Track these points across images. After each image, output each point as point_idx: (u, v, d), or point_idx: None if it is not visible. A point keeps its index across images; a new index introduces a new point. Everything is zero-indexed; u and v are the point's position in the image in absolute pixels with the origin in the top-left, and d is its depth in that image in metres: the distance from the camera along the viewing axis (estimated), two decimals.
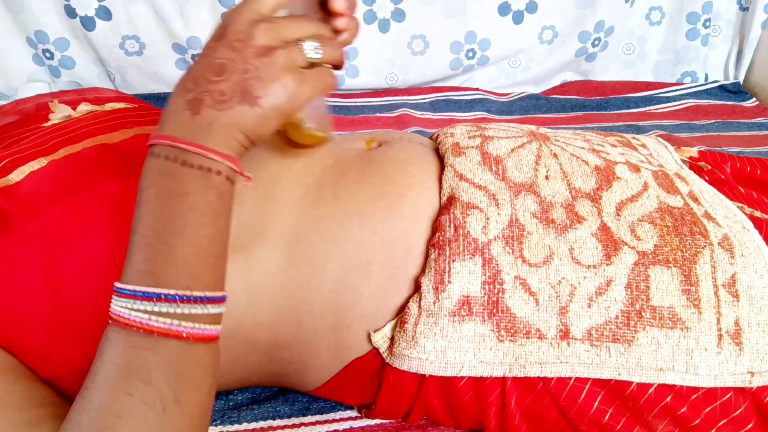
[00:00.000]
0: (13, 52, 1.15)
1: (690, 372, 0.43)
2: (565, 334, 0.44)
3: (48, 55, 1.16)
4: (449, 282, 0.44)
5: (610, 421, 0.45)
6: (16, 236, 0.43)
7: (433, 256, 0.45)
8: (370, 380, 0.48)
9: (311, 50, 0.39)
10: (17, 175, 0.46)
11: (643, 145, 0.59)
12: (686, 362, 0.43)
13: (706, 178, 0.57)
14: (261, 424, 0.52)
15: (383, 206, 0.47)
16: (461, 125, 0.58)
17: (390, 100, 1.23)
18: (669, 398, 0.44)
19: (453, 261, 0.45)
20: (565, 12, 1.24)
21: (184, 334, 0.33)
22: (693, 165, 0.60)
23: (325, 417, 0.53)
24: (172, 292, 0.33)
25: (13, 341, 0.41)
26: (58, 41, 1.15)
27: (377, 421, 0.52)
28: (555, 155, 0.52)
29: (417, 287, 0.46)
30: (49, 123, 0.56)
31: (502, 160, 0.51)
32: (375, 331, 0.46)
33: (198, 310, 0.34)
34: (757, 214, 0.52)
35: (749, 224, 0.49)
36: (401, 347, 0.45)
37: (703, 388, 0.43)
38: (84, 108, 0.59)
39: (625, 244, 0.45)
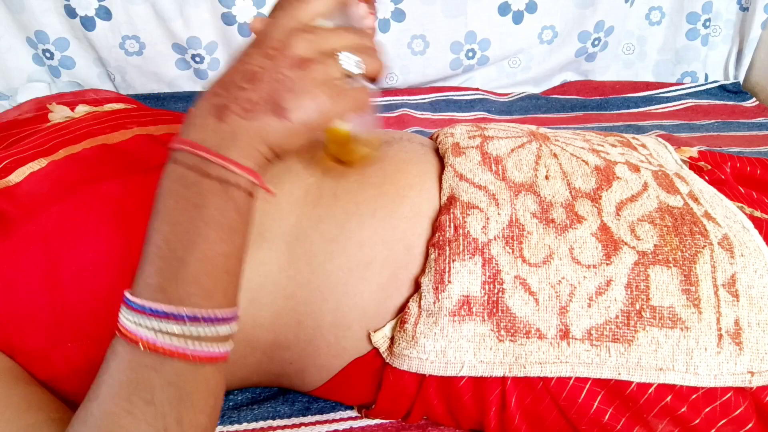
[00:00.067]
0: (13, 52, 1.15)
1: (690, 372, 0.43)
2: (565, 334, 0.44)
3: (48, 55, 1.16)
4: (449, 282, 0.44)
5: (610, 420, 0.45)
6: (16, 237, 0.43)
7: (433, 256, 0.45)
8: (370, 380, 0.48)
9: (352, 64, 0.37)
10: (17, 176, 0.46)
11: (643, 145, 0.59)
12: (686, 362, 0.43)
13: (706, 178, 0.57)
14: (261, 424, 0.52)
15: (383, 206, 0.47)
16: (461, 125, 0.58)
17: (390, 100, 1.23)
18: (669, 398, 0.44)
19: (453, 261, 0.45)
20: (565, 12, 1.24)
21: (190, 355, 0.32)
22: (693, 165, 0.60)
23: (325, 417, 0.53)
24: (180, 311, 0.32)
25: (13, 342, 0.41)
26: (58, 41, 1.15)
27: (377, 421, 0.52)
28: (555, 155, 0.52)
29: (417, 287, 0.46)
30: (49, 123, 0.56)
31: (502, 160, 0.51)
32: (375, 331, 0.46)
33: (206, 330, 0.33)
34: (757, 214, 0.52)
35: (749, 224, 0.49)
36: (401, 347, 0.45)
37: (703, 387, 0.43)
38: (82, 109, 0.59)
39: (625, 243, 0.45)
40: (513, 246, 0.45)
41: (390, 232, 0.47)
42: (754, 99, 1.25)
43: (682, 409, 0.44)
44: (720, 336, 0.43)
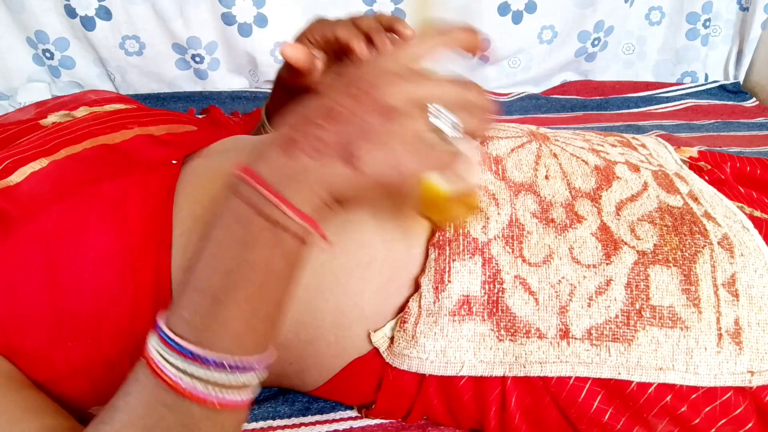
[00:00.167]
0: (13, 52, 1.15)
1: (690, 371, 0.43)
2: (565, 334, 0.44)
3: (48, 55, 1.16)
4: (449, 281, 0.44)
5: (610, 420, 0.45)
6: (17, 237, 0.43)
7: (433, 256, 0.45)
8: (370, 380, 0.48)
9: (446, 124, 0.33)
10: (18, 176, 0.46)
11: (643, 145, 0.60)
12: (686, 361, 0.43)
13: (706, 178, 0.57)
14: (261, 424, 0.52)
15: (384, 206, 0.47)
16: None
17: None
18: (669, 397, 0.44)
19: (453, 261, 0.45)
20: (565, 12, 1.23)
21: (209, 402, 0.31)
22: (693, 165, 0.60)
23: (325, 417, 0.53)
24: (207, 355, 0.31)
25: (13, 342, 0.41)
26: (58, 41, 1.15)
27: (377, 421, 0.52)
28: (555, 155, 0.52)
29: (417, 287, 0.46)
30: (50, 122, 0.56)
31: (501, 160, 0.51)
32: (375, 331, 0.46)
33: (230, 378, 0.32)
34: (757, 213, 0.52)
35: (749, 224, 0.49)
36: (401, 347, 0.45)
37: (702, 387, 0.43)
38: (83, 109, 0.59)
39: (625, 243, 0.46)
40: (513, 246, 0.45)
41: (390, 231, 0.47)
42: (754, 99, 1.25)
43: (682, 409, 0.44)
44: (720, 335, 0.43)
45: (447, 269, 0.45)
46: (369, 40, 0.48)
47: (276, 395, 0.55)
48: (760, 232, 0.48)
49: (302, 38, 0.52)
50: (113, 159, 0.50)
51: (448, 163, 0.34)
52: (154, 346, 0.32)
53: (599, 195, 0.49)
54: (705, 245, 0.45)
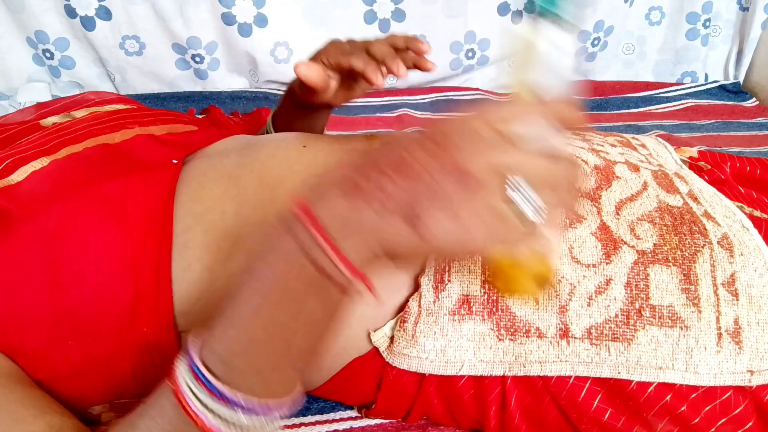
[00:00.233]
0: (13, 52, 1.15)
1: (690, 371, 0.43)
2: (564, 333, 0.44)
3: (48, 55, 1.16)
4: (449, 281, 0.44)
5: (609, 419, 0.45)
6: (17, 236, 0.43)
7: (432, 256, 0.45)
8: (370, 380, 0.48)
9: (530, 210, 0.29)
10: (19, 176, 0.46)
11: (643, 145, 0.60)
12: (686, 361, 0.43)
13: (706, 177, 0.57)
14: None
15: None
16: None
17: (390, 100, 1.23)
18: (669, 397, 0.44)
19: (453, 260, 0.45)
20: None
21: None
22: (693, 165, 0.60)
23: (325, 417, 0.53)
24: (237, 398, 0.31)
25: (13, 341, 0.41)
26: (58, 41, 1.15)
27: (377, 421, 0.52)
28: None
29: (417, 286, 0.46)
30: (50, 122, 0.56)
31: None
32: (375, 331, 0.46)
33: (253, 421, 0.31)
34: (757, 213, 0.52)
35: (749, 223, 0.49)
36: (401, 346, 0.45)
37: (702, 386, 0.43)
38: (83, 110, 0.60)
39: (625, 243, 0.46)
40: None
41: None
42: (754, 99, 1.25)
43: (682, 408, 0.44)
44: (719, 335, 0.43)
45: (447, 268, 0.45)
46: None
47: None
48: (760, 232, 0.48)
49: (317, 58, 0.52)
50: (114, 158, 0.50)
51: (520, 241, 0.31)
52: (184, 377, 0.31)
53: (599, 194, 0.49)
54: (705, 245, 0.45)
